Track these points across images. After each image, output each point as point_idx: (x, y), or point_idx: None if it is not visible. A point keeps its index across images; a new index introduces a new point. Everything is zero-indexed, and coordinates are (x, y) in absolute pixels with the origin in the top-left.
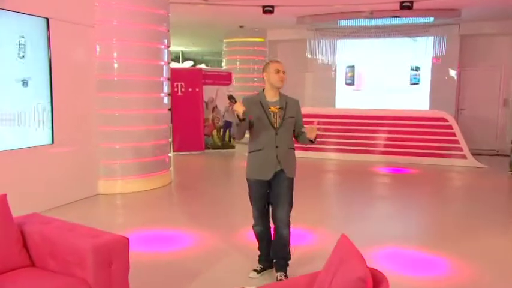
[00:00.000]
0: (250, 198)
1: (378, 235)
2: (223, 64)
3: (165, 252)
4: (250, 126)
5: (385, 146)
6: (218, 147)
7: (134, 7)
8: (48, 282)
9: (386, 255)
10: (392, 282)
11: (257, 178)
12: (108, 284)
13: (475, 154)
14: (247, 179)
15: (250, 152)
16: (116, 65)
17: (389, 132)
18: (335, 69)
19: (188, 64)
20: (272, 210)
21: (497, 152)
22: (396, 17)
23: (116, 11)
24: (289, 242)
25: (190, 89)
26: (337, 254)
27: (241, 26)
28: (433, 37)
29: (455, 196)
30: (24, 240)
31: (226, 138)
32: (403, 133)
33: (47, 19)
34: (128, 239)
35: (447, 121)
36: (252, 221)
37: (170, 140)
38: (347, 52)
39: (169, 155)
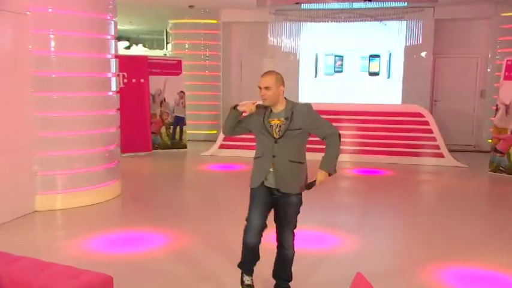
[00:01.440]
0: (250, 206)
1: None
2: (168, 49)
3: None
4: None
5: (355, 144)
6: (168, 147)
7: None
8: None
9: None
10: None
11: (253, 186)
12: None
13: (451, 150)
14: (251, 189)
15: (254, 158)
16: (53, 59)
17: (360, 129)
18: (298, 56)
19: (123, 45)
20: (277, 230)
21: (474, 147)
22: (368, 0)
23: None
24: (293, 259)
25: (134, 80)
26: None
27: (190, 6)
28: (406, 22)
29: (433, 204)
30: None
31: (177, 136)
32: (375, 130)
33: None
34: (111, 278)
35: (423, 116)
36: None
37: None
38: (312, 38)
39: (119, 162)
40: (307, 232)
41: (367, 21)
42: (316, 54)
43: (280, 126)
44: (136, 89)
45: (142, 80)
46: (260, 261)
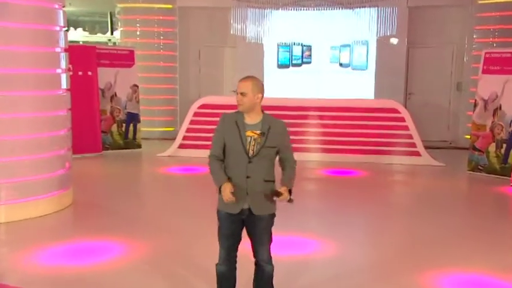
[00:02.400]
0: (218, 234)
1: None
2: (114, 35)
3: None
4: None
5: (326, 142)
6: (120, 147)
7: None
8: None
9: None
10: None
11: (226, 211)
12: None
13: (426, 147)
14: (218, 211)
15: (218, 191)
16: None
17: (331, 126)
18: (263, 46)
19: None
20: (252, 248)
21: (450, 143)
22: None
23: None
24: (272, 275)
25: (80, 73)
26: None
27: None
28: (378, 9)
29: (410, 207)
30: None
31: (130, 135)
32: (348, 127)
33: None
34: None
35: (399, 112)
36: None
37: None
38: (278, 26)
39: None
40: (282, 238)
41: (338, 9)
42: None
43: (255, 140)
44: (84, 82)
45: (90, 73)
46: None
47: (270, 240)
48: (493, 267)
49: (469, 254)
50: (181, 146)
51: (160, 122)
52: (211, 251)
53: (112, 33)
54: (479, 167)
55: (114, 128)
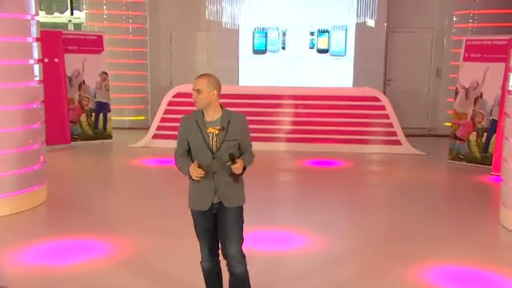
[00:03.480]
0: (195, 232)
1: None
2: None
3: None
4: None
5: (306, 132)
6: (89, 138)
7: None
8: None
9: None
10: None
11: (197, 209)
12: None
13: (406, 135)
14: (190, 210)
15: (189, 178)
16: None
17: (311, 115)
18: (238, 31)
19: None
20: (221, 245)
21: (430, 130)
22: None
23: None
24: (247, 275)
25: (46, 60)
26: None
27: None
28: None
29: (393, 198)
30: None
31: (100, 125)
32: (328, 116)
33: None
34: None
35: (379, 101)
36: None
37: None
38: (254, 10)
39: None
40: (260, 232)
41: None
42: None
43: (216, 136)
44: (50, 70)
45: (56, 60)
46: None
47: (240, 237)
48: (475, 258)
49: (451, 246)
50: (155, 137)
51: (130, 111)
52: (194, 247)
53: (72, 13)
54: (460, 156)
55: (83, 117)
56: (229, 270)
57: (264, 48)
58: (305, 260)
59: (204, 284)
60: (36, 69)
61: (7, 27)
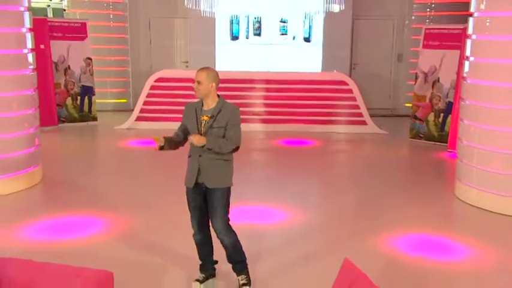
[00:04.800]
0: (188, 207)
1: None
2: (58, 3)
3: None
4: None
5: (279, 113)
6: (75, 120)
7: None
8: None
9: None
10: None
11: (186, 186)
12: None
13: (370, 115)
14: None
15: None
16: None
17: (284, 98)
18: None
19: None
20: (209, 218)
21: (391, 111)
22: None
23: None
24: (237, 245)
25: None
26: (344, 275)
27: None
28: None
29: (360, 173)
30: None
31: (86, 108)
32: (300, 99)
33: None
34: (112, 274)
35: (347, 84)
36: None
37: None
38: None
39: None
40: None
41: None
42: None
43: (206, 123)
44: (37, 56)
45: (42, 46)
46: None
47: (224, 214)
48: (433, 226)
49: (412, 216)
50: (138, 119)
51: (113, 94)
52: (184, 220)
53: None
54: (419, 134)
55: (69, 101)
56: (220, 242)
57: (238, 35)
58: (283, 232)
59: (197, 253)
60: (30, 57)
61: (1, 19)
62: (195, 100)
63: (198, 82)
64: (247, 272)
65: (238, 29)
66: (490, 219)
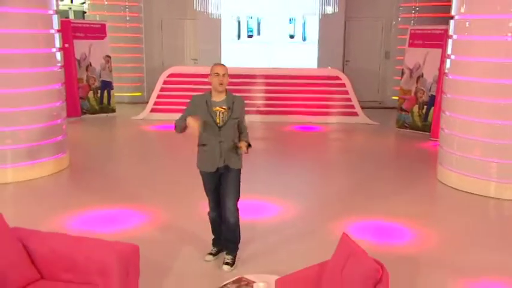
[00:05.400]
0: (204, 189)
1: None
2: (78, 5)
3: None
4: None
5: (279, 106)
6: (96, 112)
7: None
8: None
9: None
10: None
11: (205, 170)
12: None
13: (361, 108)
14: (199, 171)
15: (198, 146)
16: None
17: (284, 91)
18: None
19: None
20: (221, 199)
21: (380, 103)
22: None
23: None
24: (238, 227)
25: None
26: (342, 249)
27: None
28: None
29: (349, 161)
30: (30, 256)
31: (105, 101)
32: (298, 92)
33: None
34: (138, 246)
35: (341, 79)
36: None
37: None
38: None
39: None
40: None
41: None
42: (238, 17)
43: (222, 114)
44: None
45: (67, 45)
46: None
47: (237, 193)
48: (417, 206)
49: (399, 197)
50: (152, 110)
51: (129, 88)
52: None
53: (72, 1)
54: (405, 124)
55: (91, 94)
56: (224, 220)
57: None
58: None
59: (211, 229)
60: (58, 55)
61: (33, 22)
62: (201, 93)
63: (224, 75)
64: (236, 255)
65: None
66: (468, 199)
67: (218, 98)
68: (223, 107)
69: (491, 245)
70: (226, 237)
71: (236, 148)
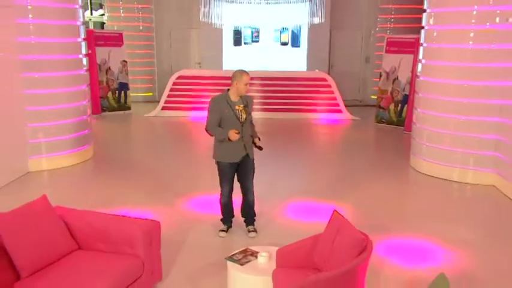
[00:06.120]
0: (221, 177)
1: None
2: (97, 17)
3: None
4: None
5: (273, 104)
6: (114, 109)
7: None
8: (113, 258)
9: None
10: None
11: (228, 161)
12: (150, 257)
13: (344, 105)
14: (218, 162)
15: (219, 141)
16: (34, 45)
17: (277, 91)
18: (222, 29)
19: None
20: (241, 183)
21: (360, 102)
22: None
23: None
24: (254, 204)
25: None
26: (333, 223)
27: None
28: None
29: (332, 151)
30: (69, 230)
31: (122, 100)
32: (289, 92)
33: None
34: (159, 222)
35: (326, 81)
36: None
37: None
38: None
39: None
40: None
41: (280, 3)
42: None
43: (241, 112)
44: None
45: (89, 51)
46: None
47: (253, 177)
48: (393, 190)
49: (377, 183)
50: (163, 108)
51: (142, 89)
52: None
53: (91, 13)
54: (383, 120)
55: (110, 94)
56: (244, 198)
57: (240, 42)
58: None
59: (221, 212)
60: (84, 61)
61: (63, 31)
62: (217, 94)
63: (248, 84)
64: (255, 224)
65: (239, 37)
66: (435, 183)
67: (236, 98)
68: (241, 106)
69: (449, 217)
70: (248, 213)
71: (253, 141)
